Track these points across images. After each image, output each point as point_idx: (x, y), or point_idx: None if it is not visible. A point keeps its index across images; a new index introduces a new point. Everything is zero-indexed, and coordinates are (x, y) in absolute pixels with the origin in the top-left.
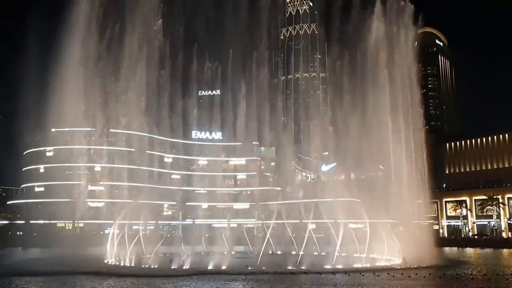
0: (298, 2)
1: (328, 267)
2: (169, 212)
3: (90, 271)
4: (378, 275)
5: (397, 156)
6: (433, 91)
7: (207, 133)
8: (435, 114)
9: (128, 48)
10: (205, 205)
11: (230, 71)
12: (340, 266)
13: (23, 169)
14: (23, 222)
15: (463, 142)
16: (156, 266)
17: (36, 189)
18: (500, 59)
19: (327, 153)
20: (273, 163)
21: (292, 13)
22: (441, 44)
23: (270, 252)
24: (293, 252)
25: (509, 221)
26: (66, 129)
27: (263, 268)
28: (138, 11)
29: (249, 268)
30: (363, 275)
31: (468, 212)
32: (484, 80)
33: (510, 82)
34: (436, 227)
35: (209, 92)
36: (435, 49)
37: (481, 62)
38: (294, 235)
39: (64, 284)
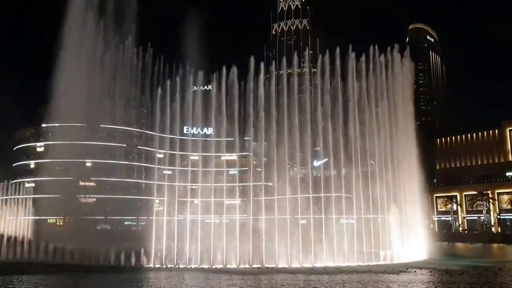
0: None
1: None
2: (161, 208)
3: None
4: (370, 270)
5: (389, 152)
6: (423, 86)
7: (199, 128)
8: (426, 110)
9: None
10: (197, 201)
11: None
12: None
13: (13, 165)
14: (13, 218)
15: (453, 137)
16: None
17: (27, 185)
18: (490, 54)
19: (318, 148)
20: (265, 159)
21: (284, 8)
22: (432, 40)
23: (262, 248)
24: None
25: (498, 216)
26: (57, 124)
27: (253, 263)
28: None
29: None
30: (355, 271)
31: (458, 207)
32: (474, 76)
33: (500, 78)
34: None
35: (201, 87)
36: (426, 45)
37: (472, 57)
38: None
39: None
